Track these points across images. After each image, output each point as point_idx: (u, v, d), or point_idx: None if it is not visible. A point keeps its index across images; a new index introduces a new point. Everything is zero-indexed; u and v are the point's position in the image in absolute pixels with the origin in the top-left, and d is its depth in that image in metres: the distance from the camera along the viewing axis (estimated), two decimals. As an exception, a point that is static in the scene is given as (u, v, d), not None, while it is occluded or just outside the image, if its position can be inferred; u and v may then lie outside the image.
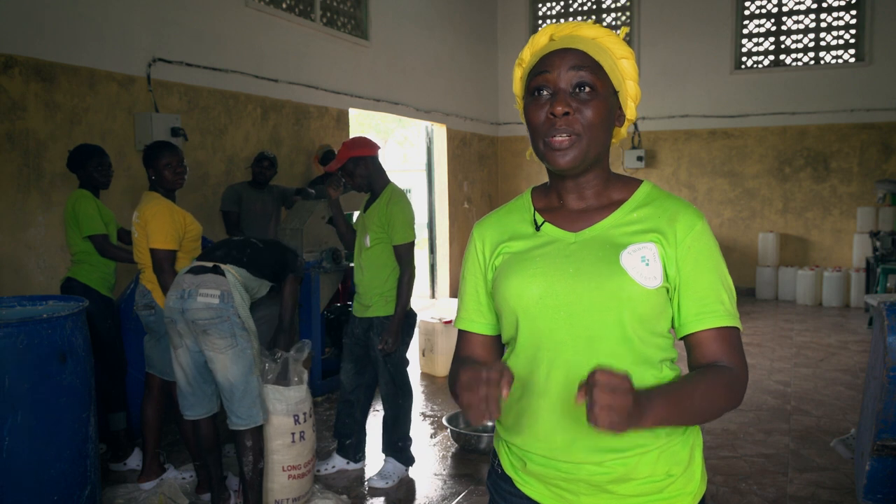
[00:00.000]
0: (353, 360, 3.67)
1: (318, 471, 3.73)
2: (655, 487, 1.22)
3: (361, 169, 3.50)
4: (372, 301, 3.53)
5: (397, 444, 3.66)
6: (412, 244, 3.47)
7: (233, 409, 2.97)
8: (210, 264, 3.01)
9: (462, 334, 1.41)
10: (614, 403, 0.99)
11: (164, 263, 3.23)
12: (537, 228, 1.31)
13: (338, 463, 3.81)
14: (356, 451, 3.83)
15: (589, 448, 1.20)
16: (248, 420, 2.96)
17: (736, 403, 1.21)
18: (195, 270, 3.00)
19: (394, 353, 3.51)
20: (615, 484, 1.21)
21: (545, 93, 1.22)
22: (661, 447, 1.21)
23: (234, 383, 2.93)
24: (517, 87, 1.33)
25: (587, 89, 1.20)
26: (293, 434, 3.14)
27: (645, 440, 1.20)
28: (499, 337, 1.39)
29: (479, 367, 1.09)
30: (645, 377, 1.21)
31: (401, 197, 3.48)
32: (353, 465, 3.83)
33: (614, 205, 1.28)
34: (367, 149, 3.50)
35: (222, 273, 2.98)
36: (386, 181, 3.55)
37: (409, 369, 3.68)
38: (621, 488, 1.21)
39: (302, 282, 3.45)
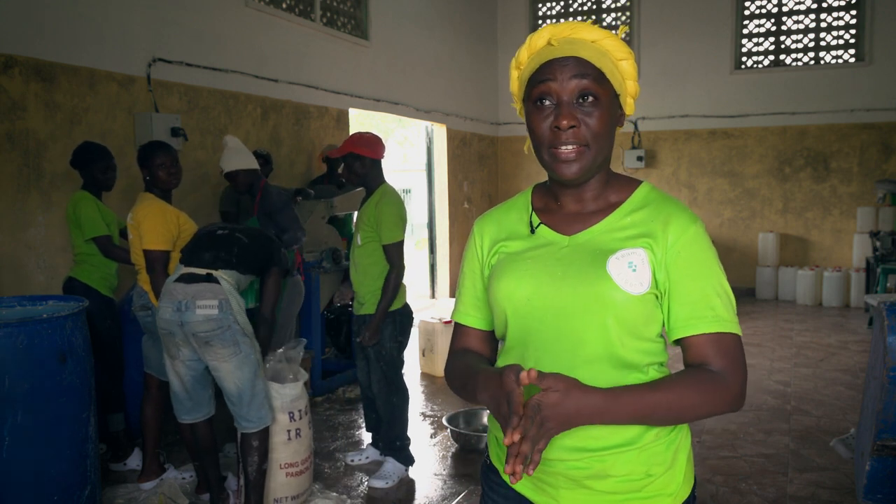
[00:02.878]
0: (364, 358, 3.72)
1: (352, 460, 3.88)
2: (633, 486, 1.23)
3: (359, 167, 3.55)
4: (365, 299, 3.59)
5: (395, 444, 3.67)
6: (401, 244, 3.50)
7: (242, 414, 2.96)
8: (203, 272, 2.95)
9: (458, 326, 1.45)
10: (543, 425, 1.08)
11: (157, 264, 3.22)
12: (532, 231, 1.32)
13: (371, 454, 3.93)
14: None
15: (565, 447, 1.22)
16: (259, 422, 2.97)
17: (722, 408, 1.19)
18: (186, 279, 2.93)
19: (385, 352, 3.55)
20: (592, 480, 1.23)
21: (548, 102, 1.22)
22: (641, 448, 1.22)
23: (243, 389, 2.92)
24: (514, 86, 1.32)
25: (591, 99, 1.20)
26: (289, 431, 3.15)
27: (623, 440, 1.22)
28: (493, 331, 1.42)
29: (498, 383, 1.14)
30: (628, 381, 1.22)
31: (391, 196, 3.51)
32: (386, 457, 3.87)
33: (610, 207, 1.29)
34: (370, 150, 3.54)
35: (216, 280, 2.93)
36: (381, 181, 3.58)
37: (409, 369, 3.69)
38: (599, 484, 1.23)
39: (286, 274, 3.37)
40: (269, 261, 3.22)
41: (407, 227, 3.59)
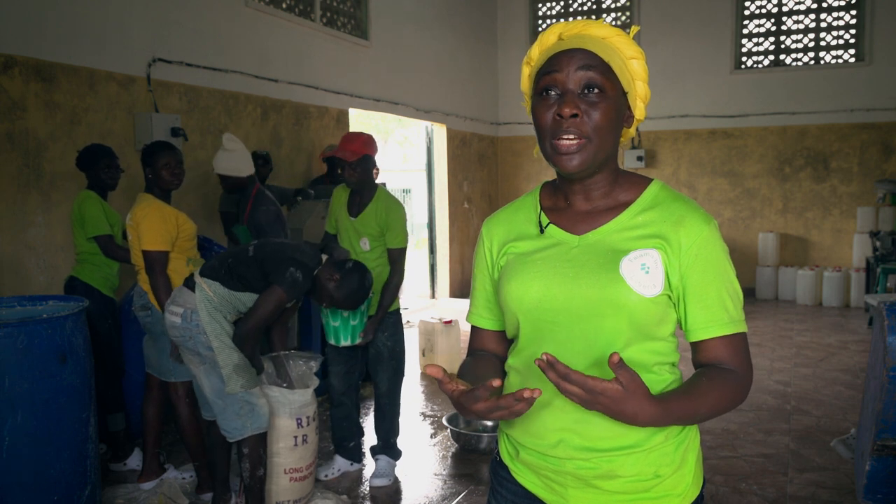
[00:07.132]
0: (343, 362, 3.65)
1: (325, 476, 3.69)
2: (642, 486, 1.23)
3: (370, 167, 3.53)
4: (371, 300, 3.55)
5: (391, 441, 3.69)
6: (405, 249, 3.57)
7: (219, 422, 2.97)
8: (196, 277, 2.90)
9: (474, 328, 1.45)
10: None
11: (156, 265, 3.23)
12: (542, 230, 1.31)
13: (341, 465, 3.80)
14: (358, 452, 3.87)
15: (575, 447, 1.23)
16: (234, 433, 2.92)
17: (739, 403, 1.23)
18: (186, 281, 2.97)
19: (398, 347, 3.61)
20: (601, 480, 1.23)
21: (553, 93, 1.21)
22: (650, 449, 1.22)
23: (213, 398, 2.92)
24: (525, 84, 1.32)
25: (596, 91, 1.19)
26: (296, 437, 3.14)
27: (631, 442, 1.22)
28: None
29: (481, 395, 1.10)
30: None
31: (397, 201, 3.58)
32: (356, 466, 3.85)
33: (621, 206, 1.27)
34: (376, 150, 3.58)
35: (194, 287, 2.87)
36: (375, 184, 3.61)
37: (409, 369, 3.70)
38: (607, 484, 1.23)
39: (288, 298, 2.85)
40: (266, 277, 2.88)
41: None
